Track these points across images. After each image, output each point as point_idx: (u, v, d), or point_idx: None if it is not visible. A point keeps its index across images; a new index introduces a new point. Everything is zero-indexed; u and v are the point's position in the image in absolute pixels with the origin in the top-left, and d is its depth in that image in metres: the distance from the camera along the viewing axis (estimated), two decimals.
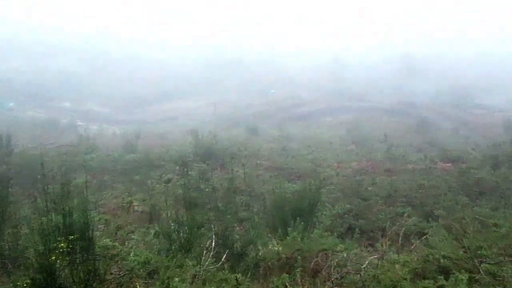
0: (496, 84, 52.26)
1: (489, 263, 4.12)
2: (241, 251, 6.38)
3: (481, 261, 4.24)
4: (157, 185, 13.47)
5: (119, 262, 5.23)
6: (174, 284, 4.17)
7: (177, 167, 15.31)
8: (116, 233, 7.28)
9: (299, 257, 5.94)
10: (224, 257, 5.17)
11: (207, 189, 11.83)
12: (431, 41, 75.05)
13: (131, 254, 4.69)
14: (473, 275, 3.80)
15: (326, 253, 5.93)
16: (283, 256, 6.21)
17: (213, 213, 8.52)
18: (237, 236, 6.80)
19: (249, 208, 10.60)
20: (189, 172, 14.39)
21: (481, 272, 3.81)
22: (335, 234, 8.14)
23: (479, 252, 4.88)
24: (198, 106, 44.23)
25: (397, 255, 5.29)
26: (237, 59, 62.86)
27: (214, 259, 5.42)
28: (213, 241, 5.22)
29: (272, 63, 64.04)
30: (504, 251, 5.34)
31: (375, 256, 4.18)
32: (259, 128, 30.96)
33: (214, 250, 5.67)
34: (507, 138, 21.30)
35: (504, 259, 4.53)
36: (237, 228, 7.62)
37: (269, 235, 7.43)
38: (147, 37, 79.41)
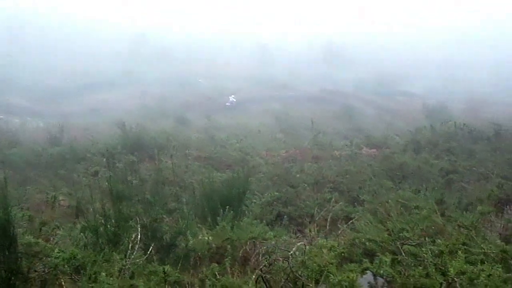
0: (416, 73, 54.21)
1: (411, 245, 4.28)
2: (170, 242, 6.32)
3: (402, 243, 4.39)
4: (83, 178, 13.11)
5: (43, 259, 5.06)
6: (101, 279, 4.07)
7: (104, 160, 14.96)
8: (41, 230, 7.02)
9: (229, 246, 5.95)
10: (151, 249, 5.10)
11: (135, 181, 11.64)
12: (355, 31, 76.61)
13: (55, 251, 4.55)
14: (396, 257, 3.93)
15: (254, 241, 5.97)
16: (213, 245, 6.20)
17: (141, 205, 8.41)
18: (167, 228, 6.73)
19: (178, 199, 10.50)
20: (117, 165, 14.10)
21: (403, 253, 3.94)
22: (265, 221, 8.21)
23: (402, 234, 5.06)
24: (123, 97, 43.22)
25: (325, 240, 5.39)
26: (162, 49, 61.80)
27: (143, 251, 5.34)
28: (139, 233, 5.13)
29: (198, 52, 63.48)
30: (425, 232, 5.57)
31: (303, 242, 4.25)
32: (188, 118, 30.74)
33: (141, 242, 5.59)
34: (427, 123, 22.15)
35: (425, 239, 4.71)
36: (166, 220, 7.52)
37: (199, 225, 7.39)
38: (69, 27, 76.61)
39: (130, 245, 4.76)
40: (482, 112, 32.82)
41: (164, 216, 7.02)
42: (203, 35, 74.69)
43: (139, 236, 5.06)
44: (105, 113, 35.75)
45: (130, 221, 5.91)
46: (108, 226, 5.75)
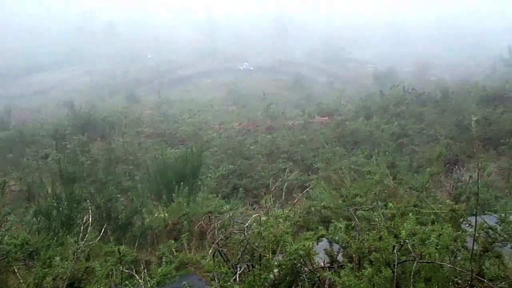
0: (366, 40, 54.78)
1: (364, 210, 4.35)
2: (126, 221, 6.25)
3: (356, 208, 4.46)
4: (33, 162, 12.78)
5: None
6: (56, 263, 4.00)
7: (54, 142, 14.60)
8: None
9: (185, 222, 5.93)
10: (103, 230, 5.03)
11: (87, 162, 11.44)
12: (305, 2, 76.63)
13: (6, 237, 4.42)
14: (350, 223, 4.00)
15: (210, 216, 5.97)
16: (170, 222, 6.17)
17: (94, 185, 8.27)
18: (122, 207, 6.65)
19: (132, 177, 10.39)
20: (68, 146, 13.80)
21: (356, 219, 4.01)
22: (220, 195, 8.22)
23: (355, 200, 5.15)
24: (71, 76, 42.26)
25: (281, 210, 5.42)
26: (108, 25, 60.36)
27: (98, 233, 5.26)
28: (91, 215, 5.04)
29: (145, 26, 62.31)
30: (378, 196, 5.68)
31: (257, 215, 4.27)
32: (138, 95, 30.33)
33: (97, 223, 5.52)
34: (377, 89, 22.46)
35: (378, 204, 4.80)
36: (121, 199, 7.42)
37: (154, 202, 7.34)
38: (11, 5, 73.74)
39: (83, 227, 4.66)
40: (430, 75, 33.55)
41: (119, 195, 6.92)
42: (150, 10, 73.38)
43: (91, 218, 4.95)
44: (54, 93, 34.94)
45: (84, 203, 5.80)
46: (61, 209, 5.63)
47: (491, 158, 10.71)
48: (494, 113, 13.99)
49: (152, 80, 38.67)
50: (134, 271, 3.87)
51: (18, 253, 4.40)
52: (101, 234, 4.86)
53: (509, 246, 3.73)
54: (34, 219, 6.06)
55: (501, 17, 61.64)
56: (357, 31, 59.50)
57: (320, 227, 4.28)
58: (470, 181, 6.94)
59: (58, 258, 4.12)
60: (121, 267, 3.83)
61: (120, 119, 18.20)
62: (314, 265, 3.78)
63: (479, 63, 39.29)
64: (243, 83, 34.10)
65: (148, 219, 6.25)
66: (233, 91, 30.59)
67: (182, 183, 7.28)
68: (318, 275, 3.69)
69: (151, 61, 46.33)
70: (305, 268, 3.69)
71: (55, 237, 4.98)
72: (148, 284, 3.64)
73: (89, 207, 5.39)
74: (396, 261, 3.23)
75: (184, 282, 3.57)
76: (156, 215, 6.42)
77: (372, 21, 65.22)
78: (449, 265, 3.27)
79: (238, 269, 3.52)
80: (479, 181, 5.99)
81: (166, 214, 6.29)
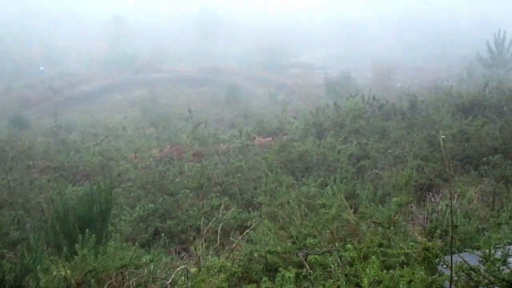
0: (312, 41, 55.67)
1: (317, 254, 4.40)
2: (15, 284, 6.09)
3: (307, 253, 4.51)
4: None
5: None
6: None
7: None
8: None
9: (92, 280, 5.84)
10: None
11: None
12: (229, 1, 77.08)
13: None
14: (301, 271, 4.04)
15: (122, 272, 5.89)
16: (73, 282, 6.06)
17: None
18: (9, 266, 6.48)
19: (23, 226, 10.15)
20: None
21: (307, 266, 4.06)
22: (138, 243, 8.14)
23: (307, 241, 5.20)
24: None
25: (215, 259, 5.42)
26: None
27: None
28: None
29: (30, 30, 61.14)
30: (335, 235, 5.75)
31: (184, 266, 4.25)
32: (27, 118, 29.74)
33: None
34: (329, 100, 22.86)
35: (334, 245, 4.86)
36: (9, 255, 7.23)
37: (52, 257, 7.18)
38: None
39: None
40: (393, 81, 34.46)
41: (4, 250, 6.74)
42: (37, 8, 72.10)
43: None
44: None
45: None
46: None
47: (472, 182, 10.97)
48: (473, 125, 14.36)
49: (45, 98, 38.03)
50: None
51: None
52: None
53: None
54: None
55: (469, 13, 64.17)
56: (301, 29, 60.48)
57: (264, 278, 4.30)
58: (447, 211, 7.11)
59: None
60: None
61: (3, 151, 17.77)
62: None
63: (449, 65, 40.67)
64: (161, 99, 34.03)
65: (44, 280, 6.11)
66: (150, 109, 30.46)
67: (87, 230, 7.17)
68: None
69: (41, 75, 45.51)
70: None
71: None
72: None
73: None
74: None
75: None
76: (54, 273, 6.29)
77: (318, 17, 66.52)
78: None
79: None
80: (452, 210, 6.15)
81: (67, 272, 6.17)
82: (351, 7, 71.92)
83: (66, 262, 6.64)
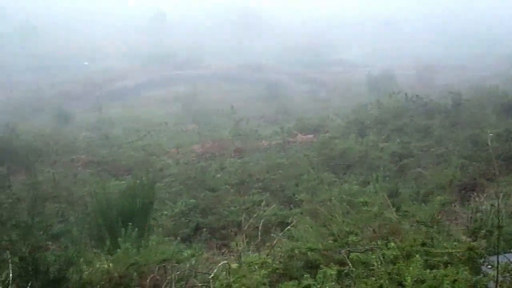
0: (352, 38, 55.22)
1: (359, 252, 4.37)
2: (59, 276, 6.17)
3: (349, 250, 4.48)
4: None
5: None
6: None
7: None
8: None
9: (134, 273, 5.88)
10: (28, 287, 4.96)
11: (9, 200, 11.28)
12: None
13: None
14: (343, 268, 4.01)
15: (165, 265, 5.93)
16: (115, 275, 6.11)
17: (17, 231, 8.14)
18: (53, 258, 6.56)
19: (66, 218, 10.27)
20: None
21: (349, 264, 4.03)
22: (179, 238, 8.17)
23: (348, 239, 5.16)
24: None
25: (256, 255, 5.42)
26: (26, 26, 59.52)
27: None
28: (11, 270, 4.97)
29: (71, 29, 61.65)
30: (377, 233, 5.70)
31: (226, 261, 4.25)
32: (71, 113, 30.07)
33: (18, 280, 5.43)
34: (371, 98, 22.65)
35: (377, 243, 4.82)
36: (52, 247, 7.33)
37: (95, 250, 7.26)
38: None
39: (1, 286, 4.59)
40: (435, 80, 33.98)
41: (49, 242, 6.83)
42: (81, 3, 72.74)
43: (11, 274, 4.88)
44: None
45: (3, 254, 5.72)
46: None
47: None
48: None
49: (87, 93, 38.39)
50: None
51: None
52: None
53: None
54: None
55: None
56: (341, 26, 60.05)
57: (305, 275, 4.29)
58: (492, 211, 7.00)
59: None
60: None
61: (48, 145, 18.00)
62: None
63: (490, 64, 39.96)
64: (201, 95, 34.09)
65: (87, 272, 6.17)
66: (191, 105, 30.56)
67: (130, 224, 7.23)
68: None
69: (83, 70, 45.89)
70: None
71: None
72: None
73: (10, 259, 5.30)
74: None
75: None
76: (97, 266, 6.35)
77: (357, 15, 65.93)
78: None
79: None
80: (498, 210, 6.03)
81: (110, 265, 6.23)
82: (387, 3, 71.18)
83: (109, 255, 6.70)
